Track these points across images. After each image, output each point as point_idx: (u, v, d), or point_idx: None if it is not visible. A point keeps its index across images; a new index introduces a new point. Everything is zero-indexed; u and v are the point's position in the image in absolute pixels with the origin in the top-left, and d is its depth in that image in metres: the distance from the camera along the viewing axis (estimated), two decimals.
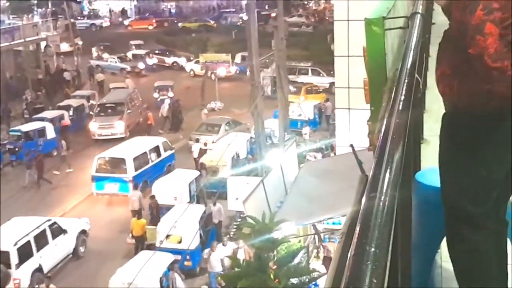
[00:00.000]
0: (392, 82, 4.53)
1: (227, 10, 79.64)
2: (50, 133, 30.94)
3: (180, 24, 69.42)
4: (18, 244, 18.14)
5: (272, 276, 11.45)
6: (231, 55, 43.61)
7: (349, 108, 19.55)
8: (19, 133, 30.27)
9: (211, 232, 20.59)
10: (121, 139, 30.33)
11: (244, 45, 36.77)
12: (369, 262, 1.40)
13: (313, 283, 12.75)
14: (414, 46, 3.91)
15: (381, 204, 1.75)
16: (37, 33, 43.74)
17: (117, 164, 25.01)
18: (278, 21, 30.94)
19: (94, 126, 32.69)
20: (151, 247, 19.42)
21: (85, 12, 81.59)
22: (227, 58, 43.42)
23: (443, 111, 2.76)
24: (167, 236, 18.58)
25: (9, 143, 29.94)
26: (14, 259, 17.90)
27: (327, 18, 61.05)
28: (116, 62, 48.89)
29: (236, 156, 26.08)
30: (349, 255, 1.46)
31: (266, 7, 72.31)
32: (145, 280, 15.90)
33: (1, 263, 17.39)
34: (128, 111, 33.62)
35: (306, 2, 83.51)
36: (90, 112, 35.34)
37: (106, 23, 73.81)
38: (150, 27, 70.18)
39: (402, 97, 2.76)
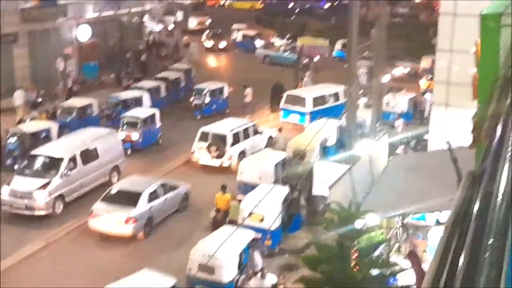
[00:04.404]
0: (505, 79, 4.41)
1: None
2: (146, 102, 31.87)
3: (227, 2, 70.55)
4: (232, 132, 26.51)
5: (353, 265, 11.44)
6: (329, 41, 43.27)
7: (446, 105, 19.08)
8: (117, 100, 31.36)
9: (295, 217, 20.68)
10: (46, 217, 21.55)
11: (342, 32, 36.44)
12: (487, 253, 1.41)
13: (393, 277, 12.64)
14: None
15: (498, 199, 1.74)
16: (142, 5, 44.96)
17: (299, 100, 31.77)
18: (381, 11, 30.37)
19: (4, 192, 21.75)
20: (233, 223, 19.74)
21: None
22: (325, 43, 43.16)
23: None
24: (250, 214, 18.78)
25: (107, 109, 31.10)
26: (229, 141, 26.23)
27: (433, 10, 59.44)
28: (289, 53, 44.82)
29: (325, 142, 26.00)
30: (466, 246, 1.46)
31: None
32: (225, 254, 16.20)
33: (222, 143, 25.89)
34: (66, 171, 22.29)
35: None
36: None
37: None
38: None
39: None
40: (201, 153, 26.27)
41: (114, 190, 21.22)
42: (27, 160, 23.03)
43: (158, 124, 29.38)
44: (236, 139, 26.60)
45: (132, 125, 28.07)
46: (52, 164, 22.40)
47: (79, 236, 20.90)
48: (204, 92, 33.47)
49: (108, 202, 20.58)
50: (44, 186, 21.63)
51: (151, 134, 28.73)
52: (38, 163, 22.71)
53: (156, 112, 29.50)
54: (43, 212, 21.50)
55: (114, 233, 20.34)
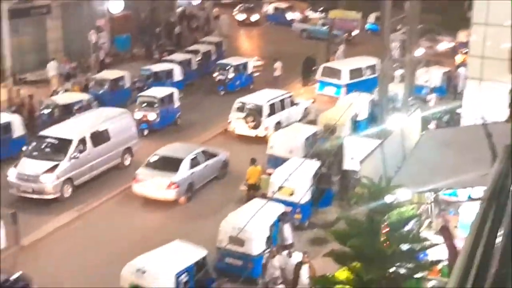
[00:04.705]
0: None
1: None
2: (177, 75, 31.95)
3: None
4: (268, 102, 26.93)
5: (383, 240, 11.40)
6: (362, 14, 42.68)
7: (480, 79, 18.76)
8: (148, 73, 31.49)
9: (326, 192, 20.64)
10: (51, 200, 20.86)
11: (375, 4, 35.92)
12: None
13: (423, 252, 12.56)
14: None
15: None
16: None
17: (336, 73, 31.64)
18: None
19: (11, 174, 21.04)
20: (263, 196, 19.79)
21: None
22: (357, 16, 42.56)
23: None
24: (280, 188, 18.81)
25: (138, 81, 31.26)
26: (265, 111, 26.70)
27: None
28: (326, 27, 42.42)
29: (356, 116, 25.84)
30: (506, 217, 1.44)
31: None
32: (256, 227, 16.28)
33: (258, 113, 26.47)
34: (75, 153, 21.34)
35: None
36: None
37: None
38: None
39: None
40: (237, 123, 26.85)
41: (156, 156, 21.78)
42: (35, 141, 22.02)
43: (177, 103, 28.16)
44: (273, 110, 27.06)
45: (149, 104, 27.01)
46: (61, 146, 21.35)
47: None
48: (228, 67, 33.04)
49: (151, 168, 21.27)
50: (52, 169, 20.65)
51: (169, 114, 27.56)
52: (46, 145, 21.75)
53: (175, 91, 28.34)
54: (51, 196, 20.58)
55: (157, 198, 20.92)
